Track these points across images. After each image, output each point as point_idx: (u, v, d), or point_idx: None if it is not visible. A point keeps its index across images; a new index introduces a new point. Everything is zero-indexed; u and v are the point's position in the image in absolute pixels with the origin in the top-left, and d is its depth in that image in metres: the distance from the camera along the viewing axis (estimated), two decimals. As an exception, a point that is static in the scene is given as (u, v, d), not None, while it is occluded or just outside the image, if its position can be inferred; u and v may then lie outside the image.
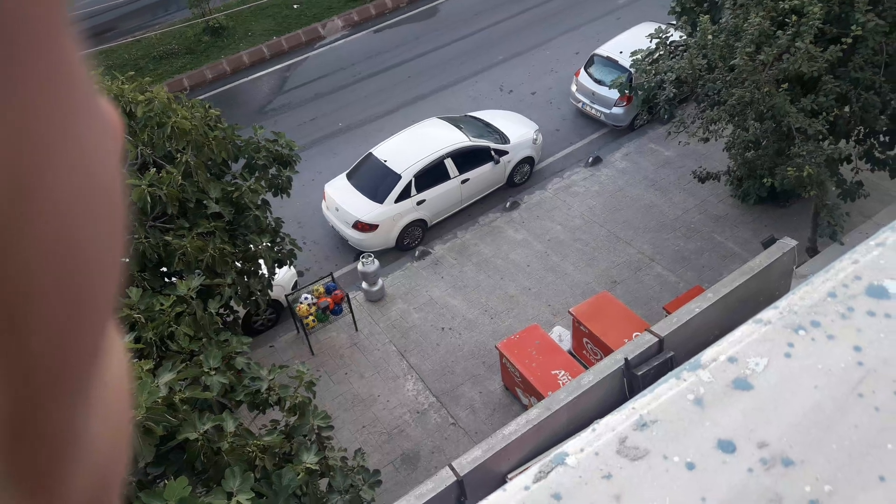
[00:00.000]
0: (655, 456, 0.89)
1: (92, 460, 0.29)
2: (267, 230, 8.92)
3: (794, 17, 8.39)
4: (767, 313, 1.04)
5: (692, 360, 1.01)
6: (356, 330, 11.36)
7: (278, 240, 9.26)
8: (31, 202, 0.23)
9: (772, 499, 0.83)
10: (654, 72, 9.46)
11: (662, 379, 0.99)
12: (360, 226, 12.25)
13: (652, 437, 0.93)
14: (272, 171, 9.05)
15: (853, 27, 8.43)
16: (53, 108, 0.23)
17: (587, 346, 9.94)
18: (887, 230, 1.12)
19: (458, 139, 13.01)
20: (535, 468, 0.91)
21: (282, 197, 9.29)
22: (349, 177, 12.95)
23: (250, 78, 17.31)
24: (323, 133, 15.31)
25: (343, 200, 12.52)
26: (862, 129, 9.93)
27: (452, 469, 6.31)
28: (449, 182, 12.84)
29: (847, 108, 9.31)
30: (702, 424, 0.92)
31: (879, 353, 0.96)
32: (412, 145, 12.94)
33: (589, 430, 0.94)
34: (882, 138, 10.18)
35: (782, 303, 1.05)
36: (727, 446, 0.89)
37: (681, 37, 10.31)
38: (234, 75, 17.44)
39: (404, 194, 12.45)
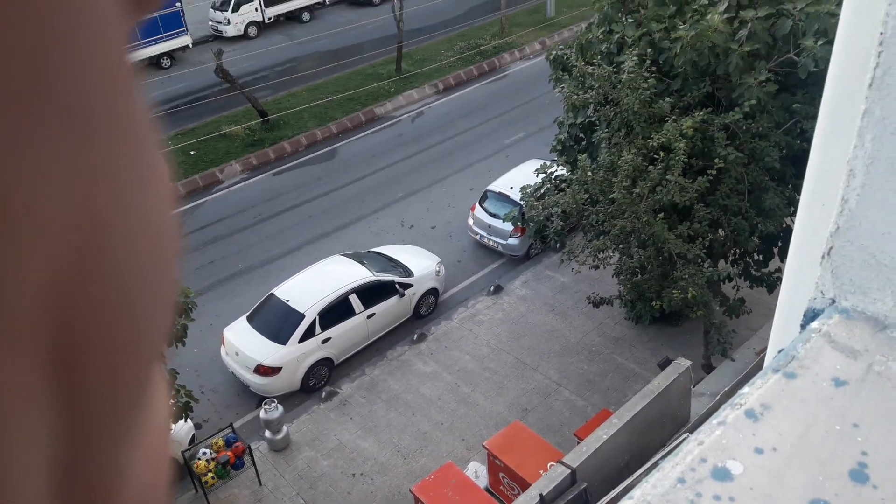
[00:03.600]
0: None
1: (134, 498, 0.31)
2: (160, 384, 8.46)
3: (662, 154, 9.17)
4: (623, 505, 1.04)
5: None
6: (260, 484, 10.67)
7: (172, 393, 8.79)
8: (98, 247, 0.24)
9: None
10: (541, 206, 10.00)
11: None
12: (262, 370, 11.83)
13: None
14: (166, 321, 8.73)
15: (716, 160, 9.27)
16: (123, 156, 0.26)
17: (504, 481, 9.70)
18: (727, 407, 1.17)
19: (362, 274, 13.07)
20: None
21: (177, 347, 8.92)
22: (249, 319, 12.63)
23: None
24: (222, 275, 15.04)
25: (243, 344, 12.13)
26: (737, 250, 10.71)
27: None
28: (355, 318, 12.74)
29: (721, 232, 10.06)
30: None
31: (727, 542, 0.97)
32: (315, 283, 12.87)
33: None
34: (756, 257, 10.99)
35: (636, 492, 1.06)
36: None
37: (564, 173, 11.03)
38: (128, 221, 17.06)
39: (308, 333, 12.21)
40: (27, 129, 0.22)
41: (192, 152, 19.15)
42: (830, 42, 7.94)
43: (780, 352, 1.19)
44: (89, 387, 0.26)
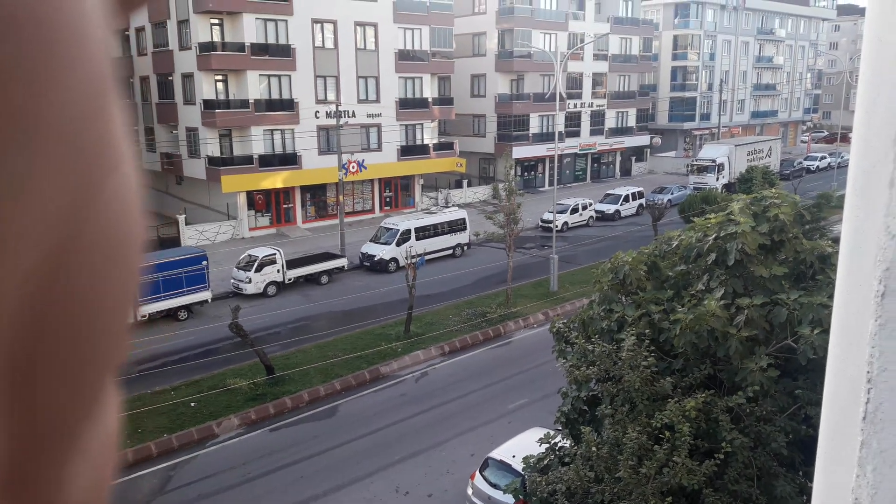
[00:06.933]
0: None
1: None
2: None
3: (667, 433, 9.00)
4: None
5: None
6: None
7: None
8: (70, 258, 0.25)
9: None
10: (545, 482, 9.58)
11: None
12: None
13: None
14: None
15: (723, 444, 9.06)
16: (103, 167, 0.27)
17: None
18: None
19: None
20: None
21: None
22: None
23: (130, 477, 16.24)
24: (199, 540, 13.99)
25: None
26: (753, 542, 9.98)
27: None
28: None
29: (733, 521, 9.47)
30: None
31: None
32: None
33: None
34: (774, 550, 10.20)
35: None
36: None
37: (568, 445, 10.74)
38: (113, 472, 16.33)
39: None
40: (17, 138, 0.23)
41: (192, 404, 18.96)
42: (826, 331, 8.24)
43: None
44: (43, 398, 0.27)
